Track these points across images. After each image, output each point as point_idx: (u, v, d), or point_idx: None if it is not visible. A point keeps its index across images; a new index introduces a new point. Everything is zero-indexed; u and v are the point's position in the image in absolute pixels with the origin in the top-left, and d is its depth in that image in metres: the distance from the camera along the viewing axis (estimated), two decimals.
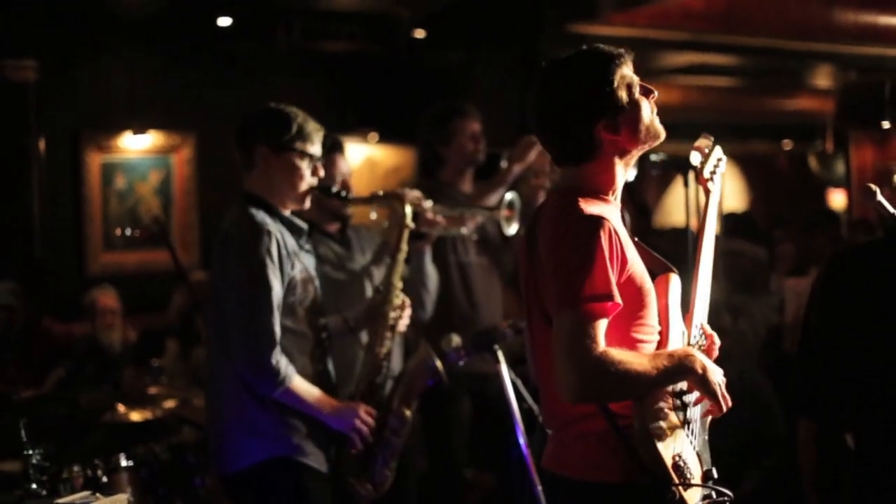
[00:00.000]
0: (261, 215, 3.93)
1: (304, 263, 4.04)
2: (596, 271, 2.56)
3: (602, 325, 2.56)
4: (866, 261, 3.21)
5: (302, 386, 3.89)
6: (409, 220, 4.35)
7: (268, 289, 3.83)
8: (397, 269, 4.27)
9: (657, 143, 2.81)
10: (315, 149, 4.06)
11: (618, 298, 2.58)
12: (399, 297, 4.25)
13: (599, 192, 2.76)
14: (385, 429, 4.10)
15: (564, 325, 2.56)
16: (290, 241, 3.99)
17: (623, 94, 2.72)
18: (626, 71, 2.74)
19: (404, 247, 4.33)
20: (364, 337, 4.30)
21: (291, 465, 3.92)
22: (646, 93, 2.78)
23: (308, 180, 4.05)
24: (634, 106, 2.74)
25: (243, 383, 3.89)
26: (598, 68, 2.72)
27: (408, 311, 4.29)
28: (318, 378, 4.00)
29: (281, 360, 3.83)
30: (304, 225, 4.11)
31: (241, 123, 4.09)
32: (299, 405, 3.90)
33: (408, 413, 4.17)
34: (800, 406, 3.53)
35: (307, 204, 4.13)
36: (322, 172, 4.13)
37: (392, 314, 4.22)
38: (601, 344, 2.53)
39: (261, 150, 4.00)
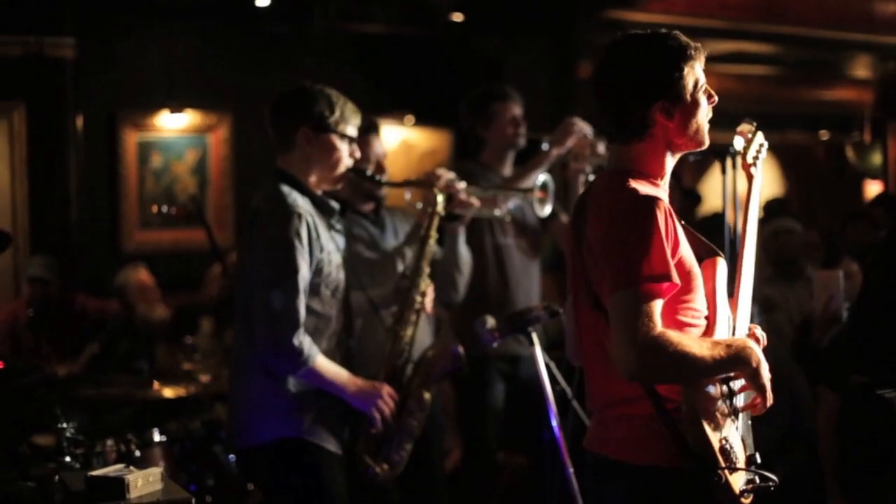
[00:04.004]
0: (293, 195, 3.93)
1: (334, 245, 4.03)
2: (653, 251, 2.56)
3: (659, 305, 2.55)
4: None
5: (325, 365, 3.89)
6: (440, 208, 4.35)
7: (295, 270, 3.82)
8: (426, 255, 4.28)
9: (698, 148, 2.81)
10: (353, 130, 4.06)
11: (675, 278, 2.58)
12: (426, 283, 4.25)
13: (649, 176, 2.75)
14: (404, 411, 4.10)
15: (621, 304, 2.55)
16: (321, 223, 3.98)
17: (688, 86, 2.72)
18: (698, 67, 2.75)
19: (433, 233, 4.32)
20: (388, 318, 4.29)
21: (305, 447, 3.92)
22: (708, 96, 2.78)
23: (345, 162, 4.06)
24: (694, 102, 2.74)
25: (261, 363, 3.88)
26: (672, 51, 2.72)
27: (430, 296, 4.30)
28: (340, 359, 4.00)
29: (304, 341, 3.82)
30: (335, 205, 4.11)
31: (278, 103, 4.07)
32: (323, 384, 3.90)
33: (427, 396, 4.16)
34: (850, 362, 3.50)
35: (341, 185, 4.14)
36: (359, 154, 4.13)
37: (418, 299, 4.22)
38: (658, 324, 2.53)
39: (302, 130, 3.99)
